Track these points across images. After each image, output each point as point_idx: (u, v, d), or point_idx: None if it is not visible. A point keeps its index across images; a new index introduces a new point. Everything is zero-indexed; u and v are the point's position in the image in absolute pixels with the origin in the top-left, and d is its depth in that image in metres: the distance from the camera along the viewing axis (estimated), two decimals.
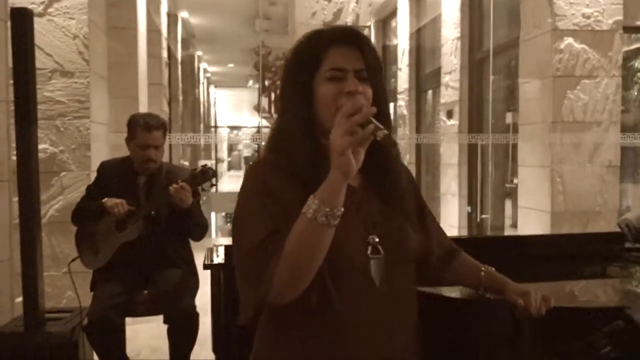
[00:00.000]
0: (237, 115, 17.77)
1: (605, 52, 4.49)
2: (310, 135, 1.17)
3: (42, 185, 3.96)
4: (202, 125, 13.35)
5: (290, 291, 1.08)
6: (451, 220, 6.55)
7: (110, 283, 2.52)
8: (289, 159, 1.16)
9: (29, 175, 2.32)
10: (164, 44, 7.82)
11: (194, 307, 2.53)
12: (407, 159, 8.15)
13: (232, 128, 18.75)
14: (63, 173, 4.02)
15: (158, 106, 7.38)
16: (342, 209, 1.05)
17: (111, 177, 2.67)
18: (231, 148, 20.31)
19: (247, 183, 1.20)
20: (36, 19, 3.94)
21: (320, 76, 1.17)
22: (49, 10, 3.97)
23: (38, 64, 3.95)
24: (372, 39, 9.82)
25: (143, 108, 6.00)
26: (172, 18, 9.12)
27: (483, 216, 6.16)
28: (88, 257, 2.62)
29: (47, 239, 3.96)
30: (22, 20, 2.25)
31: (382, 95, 1.22)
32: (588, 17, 4.46)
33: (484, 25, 6.25)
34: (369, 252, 1.16)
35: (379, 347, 1.15)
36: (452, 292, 1.48)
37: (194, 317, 2.48)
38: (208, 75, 15.53)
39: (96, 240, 2.60)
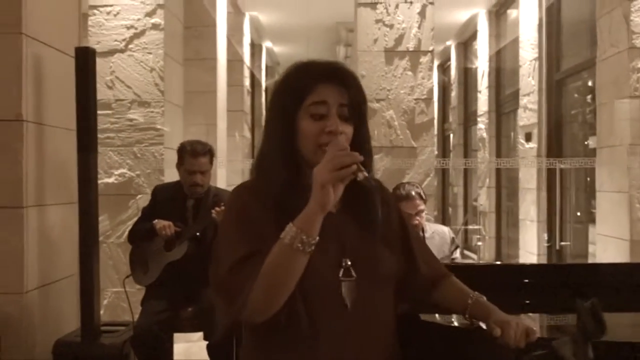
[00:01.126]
0: None
1: None
2: (291, 163, 1.23)
3: (120, 206, 4.33)
4: None
5: (263, 311, 1.14)
6: (530, 247, 6.29)
7: (157, 299, 2.68)
8: (268, 185, 1.23)
9: (88, 199, 2.54)
10: (246, 72, 8.18)
11: (232, 325, 2.63)
12: (487, 183, 7.94)
13: None
14: (139, 196, 4.32)
15: (239, 132, 7.73)
16: (317, 238, 1.11)
17: (163, 200, 2.87)
18: None
19: (229, 206, 1.28)
20: (118, 55, 4.36)
21: (304, 109, 1.22)
22: (130, 46, 4.32)
23: (119, 95, 4.36)
24: (453, 60, 9.72)
25: (222, 135, 6.31)
26: (256, 48, 9.54)
27: (562, 243, 5.87)
28: (139, 274, 2.81)
29: (123, 257, 4.26)
30: (85, 58, 2.50)
31: (365, 132, 1.27)
32: None
33: (562, 45, 6.03)
34: (340, 274, 1.19)
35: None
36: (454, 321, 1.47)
37: (231, 335, 2.57)
38: None
39: (147, 258, 2.79)
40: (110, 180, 4.35)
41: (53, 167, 2.66)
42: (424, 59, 4.35)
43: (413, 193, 2.77)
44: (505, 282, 1.93)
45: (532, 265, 3.12)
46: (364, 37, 4.40)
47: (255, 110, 9.69)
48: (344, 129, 1.20)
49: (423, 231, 2.84)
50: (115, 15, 4.33)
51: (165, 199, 2.87)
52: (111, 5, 4.32)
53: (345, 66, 1.32)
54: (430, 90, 4.41)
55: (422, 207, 2.78)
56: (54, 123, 2.68)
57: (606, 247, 4.57)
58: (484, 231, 8.04)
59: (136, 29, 4.32)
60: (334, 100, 1.21)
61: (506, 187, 7.78)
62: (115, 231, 4.33)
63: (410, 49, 4.34)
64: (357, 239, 1.24)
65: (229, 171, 6.61)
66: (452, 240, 2.91)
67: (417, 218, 2.77)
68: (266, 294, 1.13)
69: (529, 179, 6.34)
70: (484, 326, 1.25)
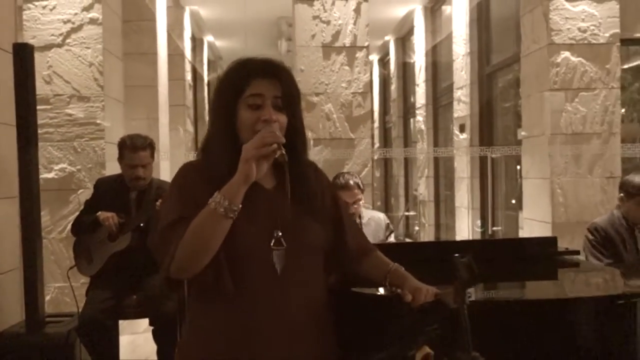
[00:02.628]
0: None
1: (602, 65, 4.55)
2: (232, 147, 1.36)
3: (61, 201, 4.32)
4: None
5: (187, 268, 1.28)
6: (464, 233, 6.61)
7: (102, 289, 2.75)
8: (212, 165, 1.37)
9: (30, 193, 2.58)
10: (188, 67, 8.17)
11: (176, 311, 2.73)
12: (426, 173, 8.25)
13: None
14: (80, 190, 4.32)
15: (182, 126, 7.73)
16: (240, 206, 1.25)
17: (105, 192, 2.93)
18: None
19: (174, 178, 1.43)
20: (55, 49, 4.33)
21: (243, 101, 1.37)
22: (67, 40, 4.31)
23: (57, 90, 4.34)
24: (392, 55, 9.99)
25: (164, 129, 6.32)
26: (197, 42, 9.51)
27: (494, 229, 6.21)
28: (83, 265, 2.86)
29: (65, 252, 4.26)
30: (23, 54, 2.53)
31: (299, 122, 1.42)
32: (584, 31, 4.53)
33: (491, 40, 6.35)
34: (272, 243, 1.34)
35: (281, 326, 1.32)
36: None
37: (175, 320, 2.68)
38: None
39: (90, 249, 2.84)
40: (51, 175, 4.33)
41: None
42: (360, 54, 4.53)
43: (351, 182, 2.93)
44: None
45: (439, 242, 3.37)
46: (302, 33, 4.54)
47: (198, 104, 9.67)
48: (277, 118, 1.35)
49: (360, 218, 3.01)
50: (51, 10, 4.31)
51: (108, 192, 2.93)
52: (47, 0, 4.29)
53: (279, 62, 1.46)
54: (367, 84, 4.60)
55: (360, 195, 2.95)
56: None
57: (532, 230, 4.90)
58: (424, 219, 8.35)
59: (73, 23, 4.31)
60: (268, 92, 1.36)
61: (444, 176, 8.12)
62: (56, 226, 4.32)
63: (347, 45, 4.51)
64: (289, 212, 1.39)
65: (172, 164, 6.63)
66: (387, 226, 3.09)
67: (355, 206, 2.94)
68: (190, 252, 1.27)
69: (463, 169, 6.66)
70: None
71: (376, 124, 11.77)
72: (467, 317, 1.00)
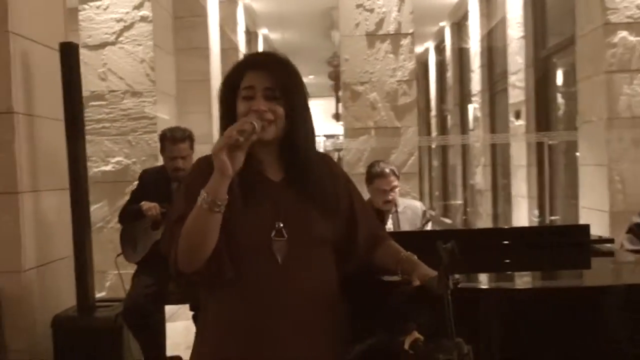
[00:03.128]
0: (327, 124, 18.19)
1: None
2: None
3: (117, 192, 4.52)
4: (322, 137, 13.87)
5: (187, 263, 1.32)
6: (521, 223, 6.43)
7: (145, 275, 2.87)
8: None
9: (78, 184, 2.73)
10: None
11: None
12: (482, 161, 8.07)
13: (328, 137, 19.24)
14: (136, 182, 4.50)
15: None
16: (225, 199, 1.27)
17: (149, 183, 3.05)
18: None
19: (189, 172, 1.48)
20: (109, 47, 4.53)
21: (240, 95, 1.40)
22: (120, 38, 4.49)
23: (112, 87, 4.53)
24: (447, 41, 9.80)
25: (216, 122, 6.48)
26: (252, 35, 9.66)
27: (552, 218, 6.01)
28: (129, 252, 3.00)
29: None
30: (68, 52, 2.67)
31: (298, 113, 1.41)
32: None
33: (547, 23, 6.12)
34: (273, 234, 1.37)
35: (285, 317, 1.35)
36: None
37: None
38: None
39: (135, 238, 2.97)
40: (108, 168, 4.55)
41: (45, 155, 2.85)
42: (405, 42, 4.48)
43: (387, 170, 2.93)
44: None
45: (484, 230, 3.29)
46: (346, 22, 4.54)
47: None
48: (271, 107, 1.37)
49: (396, 206, 3.00)
50: (104, 9, 4.50)
51: (151, 182, 3.05)
52: (100, 0, 4.48)
53: (273, 54, 1.48)
54: (412, 72, 4.55)
55: (396, 183, 2.94)
56: (44, 114, 2.86)
57: (589, 219, 4.71)
58: (481, 209, 8.18)
59: (125, 21, 4.48)
60: (259, 84, 1.37)
61: (501, 165, 7.91)
62: (114, 216, 4.48)
63: (391, 32, 4.47)
64: (293, 205, 1.41)
65: None
66: (424, 214, 3.07)
67: (392, 194, 2.93)
68: (187, 248, 1.31)
69: (520, 156, 6.47)
70: None
71: (433, 112, 11.60)
72: (451, 303, 1.00)
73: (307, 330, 1.38)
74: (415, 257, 1.48)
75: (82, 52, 4.75)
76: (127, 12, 4.49)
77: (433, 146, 11.26)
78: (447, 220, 10.36)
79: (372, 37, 4.49)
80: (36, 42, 2.80)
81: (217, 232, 1.30)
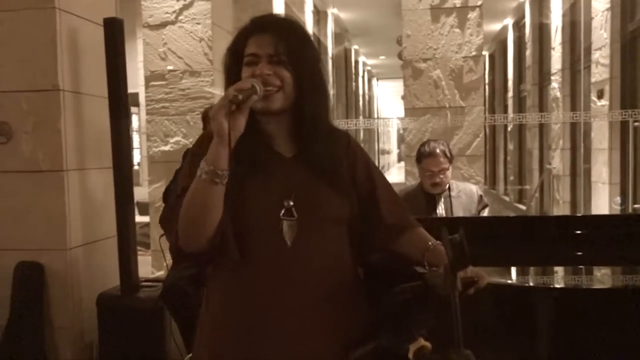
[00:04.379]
0: (398, 107, 17.81)
1: None
2: None
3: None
4: (360, 118, 13.67)
5: (187, 240, 1.21)
6: (602, 211, 5.96)
7: (185, 256, 2.82)
8: None
9: (121, 164, 2.70)
10: None
11: None
12: (560, 144, 7.57)
13: (402, 119, 18.87)
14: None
15: None
16: (226, 169, 1.14)
17: None
18: (403, 139, 20.52)
19: (195, 142, 1.37)
20: (169, 27, 4.51)
21: (244, 62, 1.27)
22: (180, 17, 4.46)
23: (171, 66, 4.53)
24: (527, 16, 9.23)
25: None
26: (322, 15, 9.50)
27: (636, 206, 5.52)
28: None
29: None
30: (112, 28, 2.63)
31: (308, 77, 1.26)
32: None
33: None
34: (282, 214, 1.23)
35: (292, 300, 1.22)
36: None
37: None
38: (368, 68, 15.83)
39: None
40: (167, 147, 4.56)
41: (92, 133, 2.84)
42: (472, 15, 4.19)
43: (437, 150, 2.71)
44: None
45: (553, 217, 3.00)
46: None
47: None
48: (276, 71, 1.22)
49: (449, 190, 2.78)
50: None
51: None
52: None
53: (280, 17, 1.34)
54: (480, 47, 4.25)
55: (446, 165, 2.71)
56: (91, 92, 2.84)
57: None
58: (558, 195, 7.70)
59: (185, 0, 4.45)
60: (263, 49, 1.24)
61: (582, 148, 7.38)
62: None
63: (457, 5, 4.19)
64: (304, 182, 1.27)
65: None
66: (480, 199, 2.82)
67: (440, 176, 2.70)
68: (186, 223, 1.19)
69: (601, 139, 5.98)
70: None
71: (510, 93, 11.03)
72: (459, 307, 0.82)
73: (315, 322, 1.24)
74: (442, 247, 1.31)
75: (144, 32, 4.80)
76: None
77: (509, 128, 10.72)
78: (521, 207, 9.86)
79: (437, 11, 4.22)
80: (84, 18, 2.79)
81: (219, 207, 1.18)
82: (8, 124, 2.69)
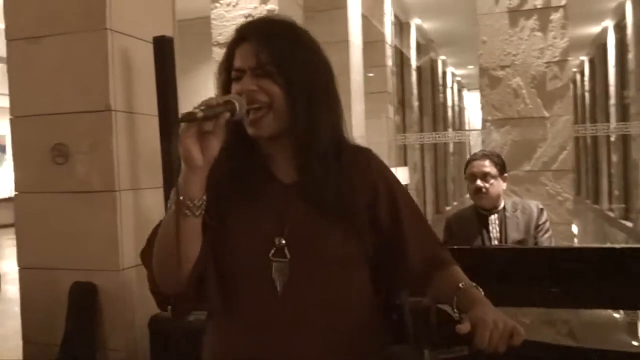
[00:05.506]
0: None
1: None
2: (234, 133, 1.11)
3: None
4: (449, 130, 13.23)
5: (160, 277, 1.07)
6: None
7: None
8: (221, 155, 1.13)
9: (170, 182, 2.64)
10: (389, 52, 8.00)
11: None
12: None
13: None
14: None
15: (383, 113, 7.60)
16: (199, 199, 0.99)
17: None
18: None
19: None
20: None
21: (232, 79, 1.10)
22: None
23: None
24: (629, 17, 8.49)
25: (358, 117, 6.25)
26: (404, 26, 9.29)
27: None
28: None
29: None
30: (162, 46, 2.59)
31: (305, 87, 1.07)
32: None
33: None
34: (271, 254, 1.05)
35: (281, 353, 1.04)
36: None
37: None
38: (458, 78, 15.32)
39: None
40: None
41: (145, 152, 2.81)
42: (555, 16, 3.83)
43: (481, 154, 2.49)
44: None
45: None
46: None
47: (406, 90, 9.47)
48: (261, 85, 1.05)
49: (504, 209, 2.46)
50: (234, 6, 4.49)
51: None
52: None
53: (267, 21, 1.17)
54: (565, 51, 3.88)
55: (490, 170, 2.41)
56: (145, 111, 2.82)
57: None
58: None
59: (253, 17, 4.41)
60: (245, 62, 1.07)
61: None
62: None
63: (538, 6, 3.85)
64: (303, 215, 1.08)
65: None
66: (540, 213, 2.42)
67: (483, 182, 2.42)
68: (157, 260, 1.06)
69: None
70: None
71: (612, 101, 10.22)
72: None
73: None
74: (479, 290, 1.08)
75: (214, 50, 4.83)
76: (255, 7, 4.43)
77: (612, 138, 9.91)
78: (628, 224, 9.03)
79: (515, 14, 3.91)
80: (137, 38, 2.78)
81: (194, 244, 1.02)
82: (66, 145, 2.72)
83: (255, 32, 1.09)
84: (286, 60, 1.06)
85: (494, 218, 2.45)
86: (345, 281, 1.10)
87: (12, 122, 2.82)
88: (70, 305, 2.68)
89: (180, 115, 0.94)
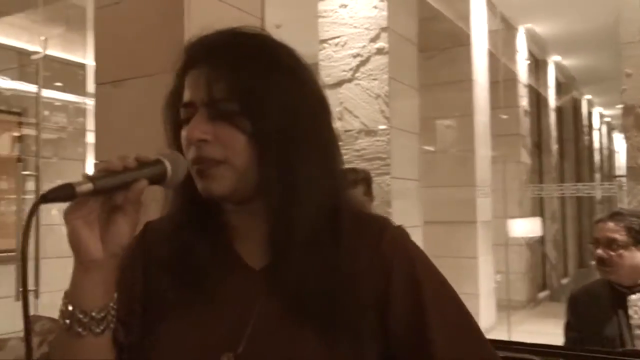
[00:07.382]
0: None
1: None
2: (186, 194, 0.77)
3: None
4: (596, 175, 11.95)
5: None
6: None
7: None
8: (167, 223, 0.81)
9: None
10: (523, 92, 7.38)
11: None
12: None
13: None
14: None
15: (514, 157, 6.95)
16: (103, 310, 0.68)
17: None
18: None
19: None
20: (346, 85, 4.28)
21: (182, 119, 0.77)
22: (356, 74, 4.20)
23: (347, 126, 4.25)
24: None
25: (483, 161, 5.72)
26: (540, 64, 8.58)
27: None
28: None
29: None
30: None
31: (282, 132, 0.72)
32: None
33: None
34: None
35: None
36: None
37: None
38: (607, 119, 13.90)
39: None
40: None
41: None
42: None
43: (609, 215, 1.96)
44: None
45: None
46: (627, 26, 3.42)
47: (543, 132, 8.67)
48: (217, 132, 0.72)
49: (631, 292, 1.87)
50: (342, 46, 4.29)
51: None
52: (338, 37, 4.29)
53: (219, 33, 0.78)
54: None
55: (614, 235, 1.86)
56: None
57: None
58: None
59: (362, 56, 4.19)
60: (196, 94, 0.74)
61: None
62: None
63: None
64: (272, 318, 0.73)
65: (495, 202, 5.95)
66: None
67: (601, 251, 1.89)
68: None
69: None
70: None
71: None
72: None
73: None
74: None
75: None
76: (364, 46, 4.19)
77: None
78: None
79: None
80: None
81: None
82: None
83: (208, 52, 0.75)
84: (256, 92, 0.72)
85: (635, 299, 1.88)
86: None
87: (96, 166, 2.78)
88: None
89: (48, 190, 0.61)
